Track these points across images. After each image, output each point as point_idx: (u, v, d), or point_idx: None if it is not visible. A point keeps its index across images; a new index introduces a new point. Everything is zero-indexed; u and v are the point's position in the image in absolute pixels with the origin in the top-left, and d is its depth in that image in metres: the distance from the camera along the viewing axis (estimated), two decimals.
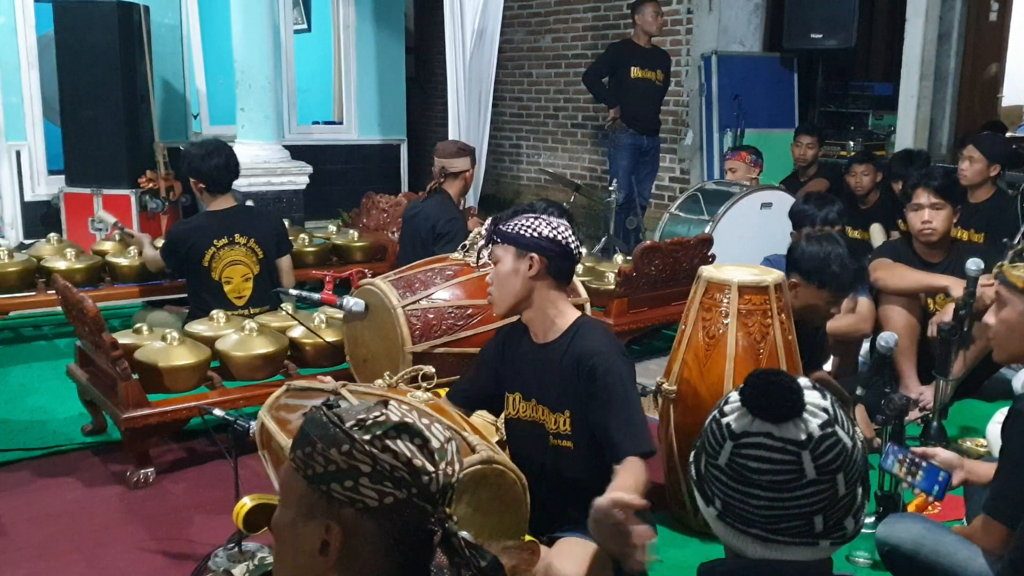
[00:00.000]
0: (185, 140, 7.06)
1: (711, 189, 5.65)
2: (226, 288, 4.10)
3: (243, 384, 3.55)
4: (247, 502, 1.99)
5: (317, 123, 8.86)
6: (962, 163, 4.75)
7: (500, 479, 2.23)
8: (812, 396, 1.26)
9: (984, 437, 3.54)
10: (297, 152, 6.78)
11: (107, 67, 6.18)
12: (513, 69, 9.18)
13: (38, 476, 3.36)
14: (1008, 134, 6.62)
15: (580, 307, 2.88)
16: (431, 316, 3.13)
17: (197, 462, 3.49)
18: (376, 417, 1.23)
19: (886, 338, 3.02)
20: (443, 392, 2.72)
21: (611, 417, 2.31)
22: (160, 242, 4.52)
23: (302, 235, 5.37)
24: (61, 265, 4.61)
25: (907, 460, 2.52)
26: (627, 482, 2.16)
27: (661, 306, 4.73)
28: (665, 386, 3.00)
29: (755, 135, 7.16)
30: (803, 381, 1.29)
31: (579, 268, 4.75)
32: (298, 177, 6.53)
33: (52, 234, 5.13)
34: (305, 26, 9.46)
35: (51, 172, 6.90)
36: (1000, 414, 3.20)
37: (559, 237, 2.43)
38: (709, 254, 4.80)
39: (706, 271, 2.99)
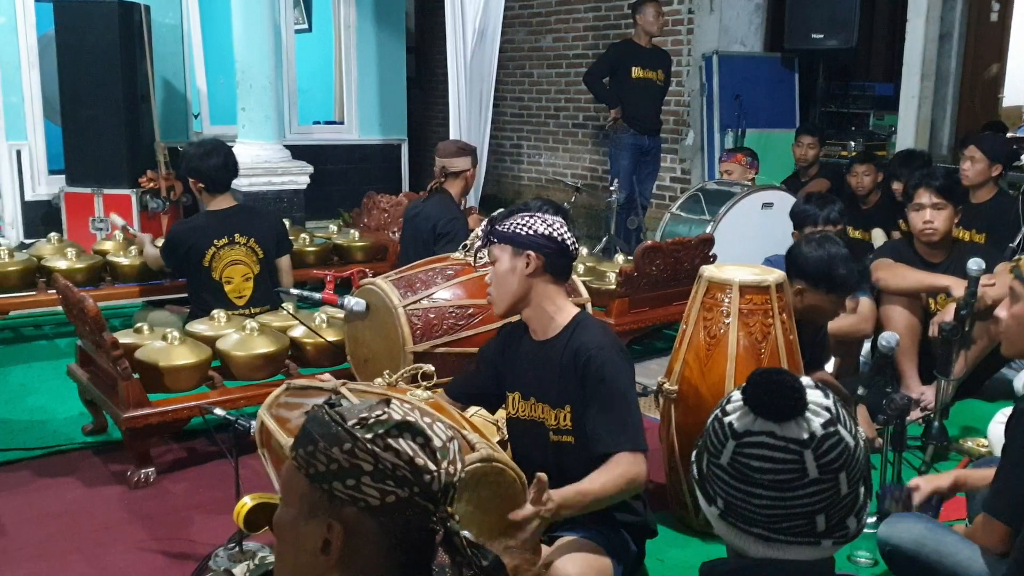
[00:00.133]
0: (186, 140, 7.06)
1: (712, 189, 5.65)
2: (227, 288, 4.10)
3: (244, 384, 3.55)
4: (248, 501, 1.98)
5: (318, 123, 8.86)
6: (964, 163, 4.75)
7: (500, 477, 2.22)
8: (814, 395, 1.26)
9: (985, 437, 3.53)
10: (298, 152, 6.79)
11: (108, 67, 6.18)
12: (514, 69, 9.18)
13: (38, 476, 3.36)
14: (1009, 134, 6.61)
15: (581, 307, 2.87)
16: (432, 316, 3.13)
17: (198, 462, 3.48)
18: (378, 416, 1.23)
19: (887, 338, 3.02)
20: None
21: (604, 412, 2.32)
22: (161, 241, 4.52)
23: (303, 235, 5.37)
24: (62, 265, 4.61)
25: (903, 496, 2.59)
26: (592, 484, 2.23)
27: (662, 306, 4.73)
28: (666, 386, 2.99)
29: (756, 135, 7.16)
30: (805, 380, 1.29)
31: (580, 268, 4.77)
32: (299, 177, 6.53)
33: (53, 234, 5.14)
34: (306, 26, 9.47)
35: (52, 172, 6.90)
36: (1002, 414, 3.20)
37: (555, 234, 2.44)
38: (710, 254, 4.80)
39: (707, 271, 2.99)
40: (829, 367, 3.71)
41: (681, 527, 3.04)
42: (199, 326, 3.72)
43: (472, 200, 5.98)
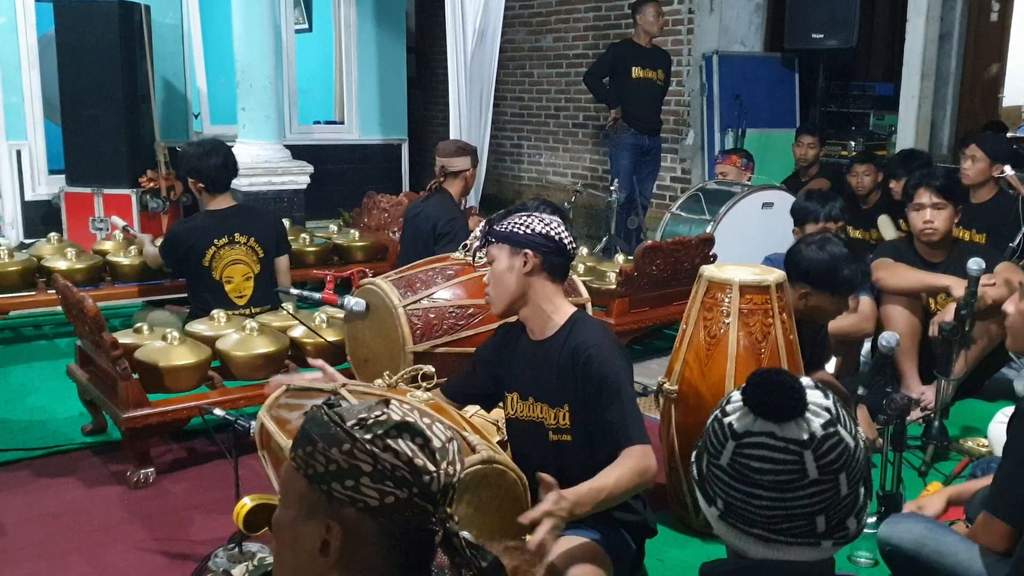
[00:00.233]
0: (186, 140, 7.05)
1: (712, 189, 5.65)
2: (227, 287, 4.10)
3: (244, 384, 3.55)
4: (247, 502, 1.98)
5: (318, 123, 8.86)
6: (964, 162, 4.75)
7: (501, 479, 2.22)
8: (814, 395, 1.26)
9: (985, 437, 3.53)
10: (298, 152, 6.78)
11: (108, 66, 6.18)
12: (514, 69, 9.18)
13: (38, 476, 3.36)
14: (1009, 134, 6.61)
15: (581, 306, 2.87)
16: (432, 316, 3.13)
17: (197, 462, 3.48)
18: (377, 416, 1.23)
19: (887, 338, 3.02)
20: None
21: (608, 409, 2.31)
22: (161, 241, 4.52)
23: (303, 235, 5.37)
24: (61, 265, 4.61)
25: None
26: (607, 479, 2.19)
27: (662, 306, 4.73)
28: (666, 386, 2.99)
29: (756, 135, 7.16)
30: (805, 380, 1.29)
31: (580, 268, 4.77)
32: (299, 177, 6.53)
33: (52, 234, 5.14)
34: (306, 26, 9.47)
35: (52, 172, 6.90)
36: (1002, 414, 3.20)
37: (552, 233, 2.43)
38: (710, 254, 4.80)
39: (707, 271, 2.99)
40: (829, 367, 3.71)
41: (681, 527, 3.04)
42: (199, 326, 3.72)
43: (472, 200, 5.98)
